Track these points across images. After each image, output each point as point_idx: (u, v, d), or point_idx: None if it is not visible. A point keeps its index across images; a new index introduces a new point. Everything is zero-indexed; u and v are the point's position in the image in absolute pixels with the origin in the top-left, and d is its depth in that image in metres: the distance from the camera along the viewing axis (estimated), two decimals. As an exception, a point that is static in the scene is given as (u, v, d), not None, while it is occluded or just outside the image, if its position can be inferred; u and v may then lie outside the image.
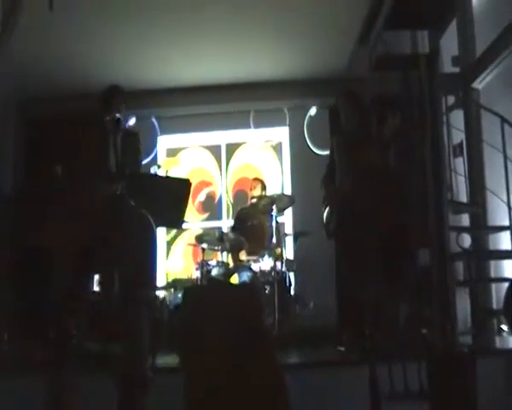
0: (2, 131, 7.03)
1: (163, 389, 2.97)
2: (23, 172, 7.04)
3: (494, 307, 4.75)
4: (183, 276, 6.34)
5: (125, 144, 3.67)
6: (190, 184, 3.88)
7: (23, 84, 6.58)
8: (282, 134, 7.39)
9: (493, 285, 4.82)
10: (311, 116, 7.34)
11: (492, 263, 4.84)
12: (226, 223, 7.16)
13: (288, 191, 7.10)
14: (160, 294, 5.72)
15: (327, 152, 6.70)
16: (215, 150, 7.45)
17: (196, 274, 5.65)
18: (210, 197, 7.37)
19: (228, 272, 5.59)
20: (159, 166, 4.81)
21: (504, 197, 4.45)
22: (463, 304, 4.49)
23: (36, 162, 6.56)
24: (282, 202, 5.63)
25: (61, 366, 3.00)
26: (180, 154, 7.33)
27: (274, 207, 5.43)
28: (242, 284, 5.18)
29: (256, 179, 6.26)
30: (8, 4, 4.89)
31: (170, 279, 6.69)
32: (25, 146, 7.16)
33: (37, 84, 6.56)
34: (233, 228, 6.17)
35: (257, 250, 5.59)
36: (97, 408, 3.03)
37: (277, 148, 7.39)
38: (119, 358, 3.03)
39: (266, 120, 7.36)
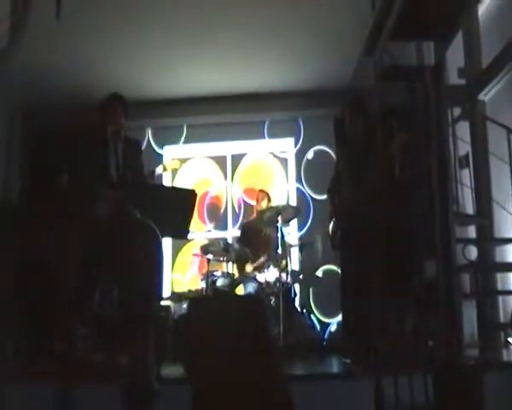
0: (8, 140, 7.07)
1: (168, 399, 2.96)
2: (29, 182, 7.06)
3: (501, 319, 4.72)
4: (190, 287, 6.32)
5: (126, 153, 3.68)
6: (196, 194, 3.89)
7: (29, 94, 6.62)
8: (287, 145, 7.39)
9: (500, 298, 4.79)
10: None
11: (499, 275, 4.81)
12: (231, 233, 7.16)
13: (293, 202, 7.13)
14: (165, 304, 5.71)
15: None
16: (221, 161, 7.47)
17: (201, 285, 5.65)
18: (215, 208, 7.38)
19: (233, 283, 5.58)
20: (164, 168, 4.78)
21: (511, 209, 4.44)
22: (470, 317, 4.46)
23: (41, 172, 6.57)
24: (287, 213, 5.63)
25: (66, 378, 3.00)
26: (185, 164, 7.37)
27: (279, 218, 5.42)
28: (248, 295, 5.17)
29: (262, 191, 6.25)
30: (18, 14, 4.92)
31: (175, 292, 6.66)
32: (30, 156, 7.18)
33: (43, 95, 6.59)
34: (238, 239, 6.17)
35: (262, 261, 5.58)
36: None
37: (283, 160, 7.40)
38: (124, 369, 3.03)
39: (273, 130, 7.38)
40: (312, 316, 5.64)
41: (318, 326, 5.59)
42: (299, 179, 7.32)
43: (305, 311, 5.54)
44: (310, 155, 7.28)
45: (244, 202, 7.29)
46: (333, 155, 7.01)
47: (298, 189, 7.30)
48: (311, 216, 7.06)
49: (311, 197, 7.19)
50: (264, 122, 7.40)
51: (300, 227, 7.05)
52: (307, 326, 5.40)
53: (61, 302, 3.23)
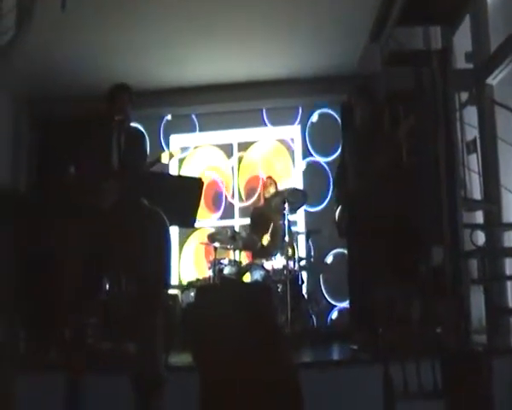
0: (15, 131, 7.08)
1: (176, 387, 2.98)
2: (36, 172, 7.08)
3: (509, 305, 4.71)
4: (197, 276, 6.33)
5: (129, 144, 3.67)
6: (203, 183, 3.90)
7: (36, 85, 6.63)
8: (294, 132, 7.37)
9: (508, 283, 4.77)
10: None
11: (507, 261, 4.79)
12: (238, 221, 7.16)
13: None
14: (173, 292, 5.73)
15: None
16: (227, 149, 7.46)
17: (209, 273, 5.66)
18: (222, 196, 7.38)
19: (240, 271, 5.59)
20: (170, 155, 4.74)
21: (519, 194, 4.41)
22: (478, 302, 4.45)
23: (49, 163, 6.59)
24: (294, 196, 5.61)
25: (76, 367, 3.02)
26: (191, 152, 7.37)
27: (286, 205, 5.41)
28: (255, 283, 5.19)
29: (269, 178, 6.25)
30: (24, 6, 4.91)
31: (184, 281, 6.67)
32: (37, 146, 7.20)
33: (49, 86, 6.60)
34: (249, 225, 6.18)
35: (270, 249, 5.59)
36: (112, 408, 3.05)
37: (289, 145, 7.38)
38: (133, 358, 3.05)
39: (278, 117, 7.36)
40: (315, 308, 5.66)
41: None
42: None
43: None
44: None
45: (251, 189, 7.28)
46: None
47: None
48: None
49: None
50: (271, 109, 7.37)
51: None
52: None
53: (69, 293, 3.25)
